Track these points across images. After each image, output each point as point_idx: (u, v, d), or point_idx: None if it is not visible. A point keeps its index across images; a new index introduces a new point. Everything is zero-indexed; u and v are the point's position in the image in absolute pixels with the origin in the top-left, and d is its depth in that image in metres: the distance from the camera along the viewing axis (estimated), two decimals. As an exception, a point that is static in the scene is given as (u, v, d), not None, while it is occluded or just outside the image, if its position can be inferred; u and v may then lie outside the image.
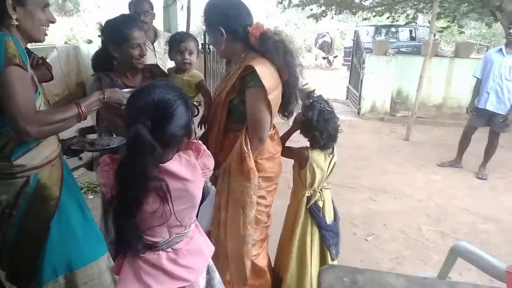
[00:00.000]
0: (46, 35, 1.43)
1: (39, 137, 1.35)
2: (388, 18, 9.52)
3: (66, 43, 10.26)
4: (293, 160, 2.03)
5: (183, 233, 1.29)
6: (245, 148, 1.67)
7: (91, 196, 3.50)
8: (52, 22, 1.42)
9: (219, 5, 1.72)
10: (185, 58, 2.08)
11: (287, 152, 2.00)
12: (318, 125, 1.86)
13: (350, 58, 8.73)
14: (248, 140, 1.69)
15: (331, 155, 1.97)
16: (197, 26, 12.05)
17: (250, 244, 1.79)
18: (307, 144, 1.98)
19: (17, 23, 1.30)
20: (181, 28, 5.31)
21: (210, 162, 1.31)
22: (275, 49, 1.66)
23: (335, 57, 15.98)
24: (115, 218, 1.14)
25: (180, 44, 2.07)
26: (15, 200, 1.38)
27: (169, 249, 1.26)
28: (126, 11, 2.96)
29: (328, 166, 1.97)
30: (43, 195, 1.44)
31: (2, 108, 1.25)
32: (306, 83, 1.92)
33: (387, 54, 6.98)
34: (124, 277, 1.24)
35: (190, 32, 2.42)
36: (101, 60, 1.98)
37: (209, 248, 1.43)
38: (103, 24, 1.90)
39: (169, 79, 2.09)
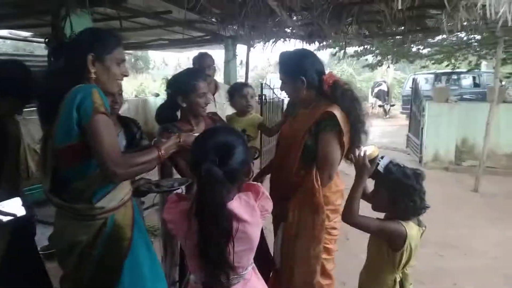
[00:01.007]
0: (120, 87, 1.60)
1: (126, 178, 1.48)
2: (447, 65, 9.29)
3: (136, 96, 11.23)
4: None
5: (240, 274, 1.29)
6: (315, 185, 1.82)
7: (152, 239, 3.60)
8: (126, 76, 1.59)
9: (299, 55, 1.93)
10: (248, 101, 2.27)
11: (377, 228, 1.64)
12: (418, 189, 1.62)
13: (408, 106, 8.54)
14: (318, 177, 1.84)
15: (424, 227, 1.70)
16: (253, 78, 12.61)
17: (318, 276, 1.89)
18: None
19: (94, 76, 1.46)
20: (240, 80, 5.63)
21: (269, 205, 1.34)
22: (347, 96, 1.83)
23: (392, 105, 15.70)
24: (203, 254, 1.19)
25: (243, 89, 2.30)
26: (94, 240, 1.47)
27: None
28: (189, 67, 3.24)
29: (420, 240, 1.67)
30: (118, 235, 1.52)
31: (92, 152, 1.38)
32: (365, 150, 1.71)
33: (449, 101, 6.73)
34: None
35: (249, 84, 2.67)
36: (166, 111, 2.15)
37: None
38: (169, 78, 2.10)
39: (231, 123, 2.27)
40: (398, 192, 1.61)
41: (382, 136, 10.06)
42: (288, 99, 2.18)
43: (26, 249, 1.75)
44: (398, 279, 1.68)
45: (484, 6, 3.15)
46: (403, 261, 1.64)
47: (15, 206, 1.66)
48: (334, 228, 1.96)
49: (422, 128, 6.93)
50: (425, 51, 9.38)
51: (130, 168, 1.42)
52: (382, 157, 1.70)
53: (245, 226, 1.22)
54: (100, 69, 1.47)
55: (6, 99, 1.67)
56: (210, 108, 3.04)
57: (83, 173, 1.44)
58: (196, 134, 1.81)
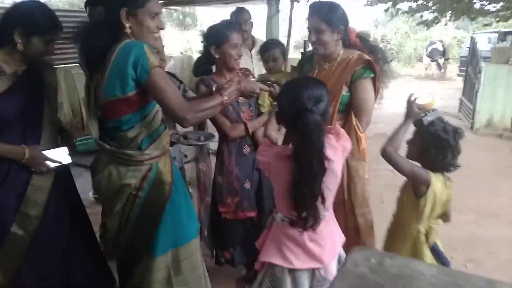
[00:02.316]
0: (159, 40, 1.64)
1: (195, 123, 1.63)
2: (515, 23, 8.42)
3: (181, 53, 11.38)
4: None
5: (326, 211, 1.45)
6: (358, 132, 1.99)
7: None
8: (162, 29, 1.62)
9: (337, 6, 1.99)
10: (269, 66, 2.25)
11: (407, 169, 1.68)
12: (452, 145, 1.65)
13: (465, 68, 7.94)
14: (359, 124, 2.00)
15: (450, 182, 1.73)
16: (299, 36, 12.24)
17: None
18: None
19: (130, 30, 1.51)
20: (282, 38, 5.50)
21: (348, 144, 1.52)
22: (377, 46, 2.07)
23: (446, 59, 14.63)
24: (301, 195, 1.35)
25: (265, 53, 2.27)
26: (141, 183, 1.62)
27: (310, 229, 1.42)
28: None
29: (446, 196, 1.71)
30: (161, 180, 1.65)
31: (159, 103, 1.52)
32: (427, 97, 1.75)
33: (509, 62, 6.18)
34: (268, 249, 1.47)
35: (280, 41, 2.60)
36: (202, 64, 2.20)
37: (340, 237, 1.57)
38: (205, 31, 2.12)
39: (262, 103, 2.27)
40: (432, 144, 1.66)
41: (437, 98, 9.52)
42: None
43: (68, 189, 1.93)
44: (422, 231, 1.71)
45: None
46: (427, 210, 1.68)
47: (61, 154, 1.80)
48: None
49: (477, 92, 6.47)
50: (490, 6, 8.52)
51: (197, 113, 1.54)
52: (433, 110, 1.71)
53: (331, 164, 1.38)
54: (134, 23, 1.51)
55: (29, 39, 1.66)
56: (247, 64, 3.08)
57: (133, 123, 1.56)
58: (254, 80, 1.92)
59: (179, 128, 2.04)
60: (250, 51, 3.43)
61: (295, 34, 5.62)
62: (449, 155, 1.65)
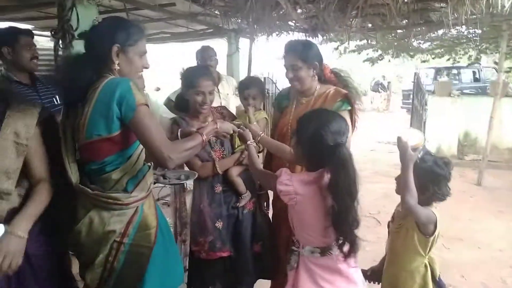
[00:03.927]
0: (139, 79, 1.59)
1: (178, 163, 1.52)
2: (448, 60, 9.29)
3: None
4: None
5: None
6: None
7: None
8: (146, 68, 1.57)
9: (312, 44, 2.09)
10: (248, 103, 2.28)
11: (422, 214, 1.64)
12: (446, 178, 1.70)
13: (409, 101, 8.53)
14: None
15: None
16: (258, 73, 12.58)
17: None
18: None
19: (118, 67, 1.45)
20: (242, 73, 5.61)
21: None
22: (350, 80, 2.07)
23: (385, 90, 15.90)
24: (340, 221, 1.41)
25: (244, 92, 2.28)
26: (126, 229, 1.48)
27: (337, 251, 1.44)
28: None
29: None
30: (146, 223, 1.53)
31: (143, 143, 1.43)
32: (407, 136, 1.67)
33: (451, 95, 6.73)
34: (302, 284, 1.47)
35: (259, 79, 2.61)
36: (181, 101, 2.17)
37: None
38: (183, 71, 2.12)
39: (240, 118, 2.24)
40: (428, 179, 1.67)
41: (383, 130, 10.08)
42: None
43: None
44: (427, 264, 1.74)
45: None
46: (429, 246, 1.71)
47: None
48: None
49: (425, 122, 6.93)
50: (425, 45, 9.38)
51: (182, 153, 1.49)
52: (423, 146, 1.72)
53: None
54: (123, 60, 1.47)
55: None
56: (214, 100, 3.07)
57: (117, 164, 1.46)
58: (235, 123, 1.91)
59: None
60: (217, 86, 3.43)
61: (254, 70, 5.73)
62: (443, 187, 1.69)
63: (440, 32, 6.93)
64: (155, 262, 1.53)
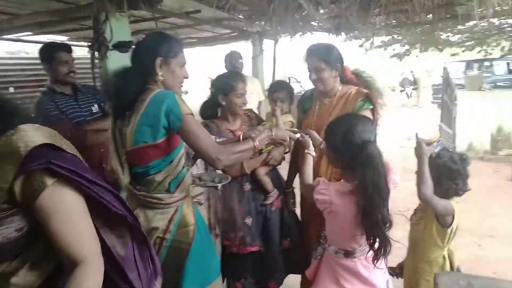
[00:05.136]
0: (181, 87, 1.72)
1: (228, 164, 1.65)
2: (479, 52, 8.98)
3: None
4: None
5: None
6: None
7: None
8: (186, 78, 1.71)
9: (335, 48, 2.13)
10: (276, 105, 2.38)
11: (439, 204, 1.70)
12: (462, 173, 1.76)
13: (439, 96, 8.33)
14: None
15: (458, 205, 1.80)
16: (282, 74, 12.64)
17: None
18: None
19: (162, 78, 1.59)
20: (267, 75, 5.70)
21: (396, 177, 1.58)
22: (371, 81, 2.17)
23: (414, 89, 15.42)
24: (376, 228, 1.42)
25: (273, 94, 2.38)
26: (168, 226, 1.63)
27: (362, 257, 1.48)
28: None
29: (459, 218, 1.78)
30: (186, 221, 1.68)
31: (192, 147, 1.56)
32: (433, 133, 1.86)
33: (482, 89, 6.55)
34: (323, 280, 1.54)
35: (287, 83, 2.73)
36: (209, 108, 2.31)
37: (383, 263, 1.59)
38: (213, 78, 2.26)
39: (268, 121, 2.35)
40: (443, 174, 1.72)
41: (413, 126, 9.88)
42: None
43: None
44: (446, 256, 1.79)
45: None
46: (448, 238, 1.76)
47: None
48: None
49: (455, 118, 6.78)
50: (455, 38, 9.10)
51: (231, 155, 1.59)
52: (439, 141, 1.77)
53: None
54: (166, 71, 1.61)
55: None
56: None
57: (160, 167, 1.60)
58: (285, 127, 2.00)
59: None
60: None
61: (278, 71, 5.81)
62: (460, 182, 1.74)
63: (469, 24, 6.76)
64: (194, 256, 1.66)
